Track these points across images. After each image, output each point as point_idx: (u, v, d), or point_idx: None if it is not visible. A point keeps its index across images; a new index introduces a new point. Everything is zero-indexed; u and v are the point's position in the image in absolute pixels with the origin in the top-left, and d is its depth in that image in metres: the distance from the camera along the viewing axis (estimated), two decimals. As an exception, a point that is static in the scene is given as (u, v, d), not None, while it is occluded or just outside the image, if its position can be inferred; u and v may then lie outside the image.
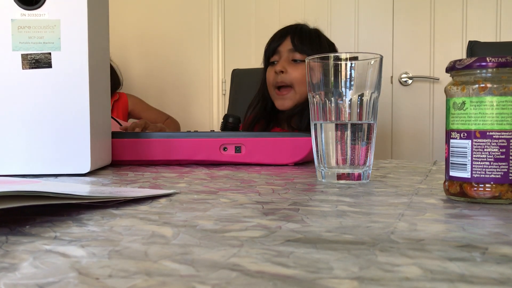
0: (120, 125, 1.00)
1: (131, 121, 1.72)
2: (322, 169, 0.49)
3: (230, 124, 1.13)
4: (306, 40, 1.15)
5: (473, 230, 0.26)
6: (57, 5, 0.53)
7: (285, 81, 1.14)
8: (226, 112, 1.63)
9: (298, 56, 1.15)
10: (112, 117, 0.84)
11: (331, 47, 1.21)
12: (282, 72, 1.14)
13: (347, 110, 0.48)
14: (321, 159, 0.49)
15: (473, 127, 0.35)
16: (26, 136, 0.53)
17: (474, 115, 0.35)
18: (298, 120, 1.16)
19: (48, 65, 0.53)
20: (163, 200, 0.36)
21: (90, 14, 0.55)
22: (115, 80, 1.69)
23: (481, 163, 0.35)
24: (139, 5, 2.11)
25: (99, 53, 0.59)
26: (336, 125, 0.48)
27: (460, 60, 0.36)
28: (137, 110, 1.73)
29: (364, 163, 0.48)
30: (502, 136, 0.34)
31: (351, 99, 0.48)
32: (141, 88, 2.06)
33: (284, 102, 1.16)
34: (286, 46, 1.16)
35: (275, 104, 1.19)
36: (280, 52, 1.17)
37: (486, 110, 0.35)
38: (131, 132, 0.72)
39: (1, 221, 0.28)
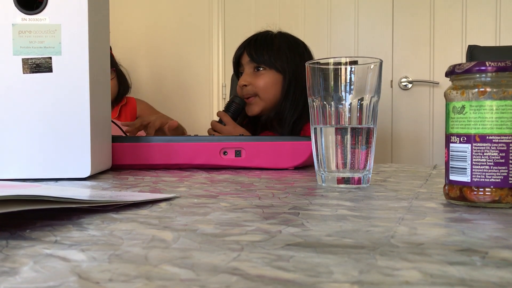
0: (122, 131, 1.00)
1: None
2: (322, 173, 0.49)
3: (235, 104, 1.16)
4: (260, 49, 1.16)
5: (473, 234, 0.26)
6: (57, 9, 0.54)
7: (249, 93, 1.17)
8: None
9: (256, 65, 1.17)
10: (113, 121, 0.84)
11: (295, 51, 1.18)
12: (245, 85, 1.16)
13: (347, 114, 0.48)
14: (321, 163, 0.49)
15: (472, 131, 0.35)
16: (27, 140, 0.54)
17: (473, 119, 0.35)
18: (278, 128, 1.16)
19: (49, 69, 0.54)
20: (163, 204, 0.36)
21: (91, 18, 0.55)
22: (124, 85, 1.66)
23: (481, 167, 0.35)
24: (138, 10, 2.11)
25: (100, 58, 0.59)
26: (336, 129, 0.48)
27: (459, 65, 0.36)
28: (145, 116, 1.72)
29: (364, 167, 0.48)
30: (502, 140, 0.34)
31: (351, 103, 0.48)
32: (141, 92, 2.06)
33: (250, 107, 1.19)
34: (245, 58, 1.18)
35: (246, 112, 1.20)
36: (243, 64, 1.20)
37: (485, 114, 0.35)
38: (131, 136, 0.72)
39: (2, 225, 0.28)
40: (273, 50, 1.15)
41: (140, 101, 1.74)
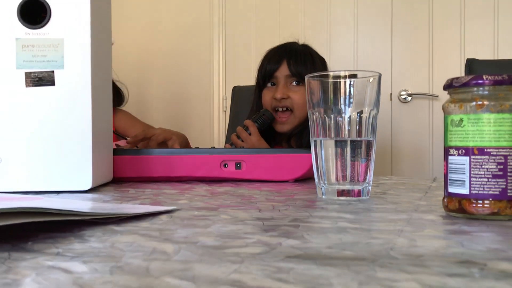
0: (125, 138, 1.00)
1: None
2: (322, 186, 0.49)
3: (265, 117, 1.15)
4: (301, 63, 1.15)
5: (472, 246, 0.27)
6: (60, 24, 0.54)
7: (287, 105, 1.16)
8: (227, 129, 1.63)
9: (295, 80, 1.16)
10: (117, 134, 0.84)
11: (323, 63, 1.22)
12: (283, 98, 1.16)
13: (347, 127, 0.48)
14: (321, 176, 0.50)
15: (471, 144, 0.35)
16: (29, 153, 0.54)
17: (472, 132, 0.35)
18: (297, 140, 1.17)
19: (51, 83, 0.54)
20: (164, 217, 0.36)
21: (93, 32, 0.56)
22: (117, 100, 1.56)
23: (479, 179, 0.35)
24: (140, 22, 2.13)
25: (102, 71, 0.60)
26: (336, 141, 0.49)
27: (457, 78, 0.37)
28: (122, 127, 1.52)
29: (364, 179, 0.48)
30: (500, 153, 0.34)
31: (350, 116, 0.48)
32: (141, 104, 2.07)
33: (283, 126, 1.18)
34: (283, 71, 1.16)
35: (274, 127, 1.20)
36: (277, 77, 1.18)
37: (483, 127, 0.35)
38: (132, 149, 0.72)
39: (4, 238, 0.28)
40: (310, 64, 1.15)
41: (118, 110, 1.58)
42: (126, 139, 1.06)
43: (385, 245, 0.27)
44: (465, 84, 0.36)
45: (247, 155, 0.67)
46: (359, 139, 0.48)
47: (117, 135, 1.07)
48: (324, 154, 0.49)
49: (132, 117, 1.60)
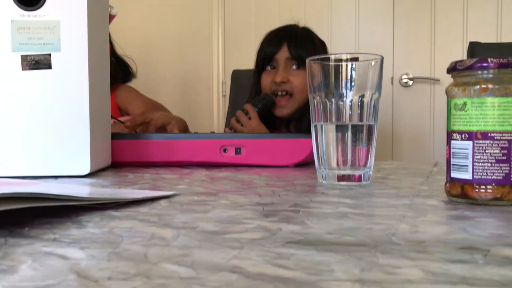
0: (123, 123, 0.99)
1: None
2: (322, 171, 0.49)
3: (265, 101, 1.15)
4: (301, 46, 1.14)
5: (475, 232, 0.26)
6: (57, 6, 0.53)
7: (286, 89, 1.15)
8: (227, 113, 1.63)
9: (296, 63, 1.15)
10: (113, 117, 0.83)
11: (323, 46, 1.21)
12: (283, 82, 1.14)
13: (348, 111, 0.48)
14: (321, 161, 0.49)
15: (474, 128, 0.35)
16: (26, 137, 0.53)
17: (475, 116, 0.35)
18: (296, 125, 1.16)
19: (48, 66, 0.53)
20: (163, 202, 0.36)
21: (90, 15, 0.55)
22: (119, 76, 1.47)
23: (482, 164, 0.34)
24: (139, 7, 2.11)
25: (99, 54, 0.59)
26: (337, 126, 0.48)
27: (461, 61, 0.36)
28: (123, 103, 1.45)
29: (365, 164, 0.48)
30: (504, 137, 0.34)
31: (351, 100, 0.48)
32: (140, 89, 2.06)
33: (282, 110, 1.17)
34: (283, 54, 1.15)
35: (273, 111, 1.19)
36: (277, 60, 1.16)
37: (487, 111, 0.34)
38: (131, 133, 0.72)
39: (0, 223, 0.28)
40: (310, 47, 1.14)
41: (121, 86, 1.51)
42: (116, 119, 1.05)
43: (387, 230, 0.26)
44: (469, 67, 0.35)
45: (246, 140, 0.67)
46: (360, 123, 0.48)
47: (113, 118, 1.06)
48: (324, 139, 0.49)
49: (133, 94, 1.51)
